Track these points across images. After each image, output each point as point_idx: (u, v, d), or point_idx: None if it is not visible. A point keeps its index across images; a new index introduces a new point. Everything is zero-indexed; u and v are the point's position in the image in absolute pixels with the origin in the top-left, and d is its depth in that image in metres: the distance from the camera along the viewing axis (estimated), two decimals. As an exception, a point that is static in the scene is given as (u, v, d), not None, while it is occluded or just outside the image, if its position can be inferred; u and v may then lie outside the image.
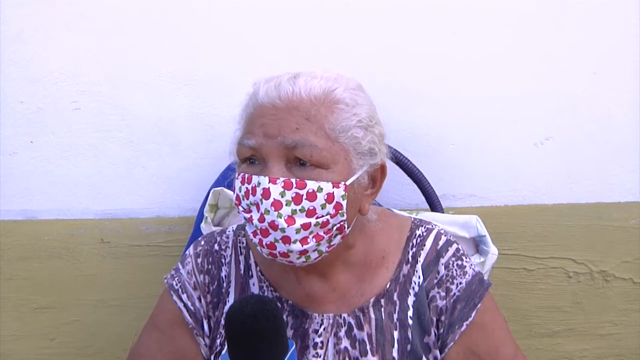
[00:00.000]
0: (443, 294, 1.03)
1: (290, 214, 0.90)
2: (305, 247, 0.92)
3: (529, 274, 1.60)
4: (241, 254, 1.09)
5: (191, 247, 1.11)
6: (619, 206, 1.58)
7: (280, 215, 0.90)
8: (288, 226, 0.90)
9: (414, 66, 1.51)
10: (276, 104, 0.92)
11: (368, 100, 0.98)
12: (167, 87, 1.51)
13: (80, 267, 1.58)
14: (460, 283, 1.03)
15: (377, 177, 1.00)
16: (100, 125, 1.53)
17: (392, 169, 1.43)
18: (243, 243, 1.10)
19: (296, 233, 0.91)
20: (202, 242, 1.11)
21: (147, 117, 1.53)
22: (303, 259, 0.94)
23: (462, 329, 1.01)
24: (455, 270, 1.04)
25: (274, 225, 0.91)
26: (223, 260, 1.08)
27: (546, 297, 1.61)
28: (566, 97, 1.54)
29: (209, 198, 1.40)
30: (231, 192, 1.34)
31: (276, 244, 0.92)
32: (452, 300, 1.02)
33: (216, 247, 1.10)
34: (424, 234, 1.06)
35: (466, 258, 1.06)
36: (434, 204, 1.45)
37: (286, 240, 0.91)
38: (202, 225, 1.39)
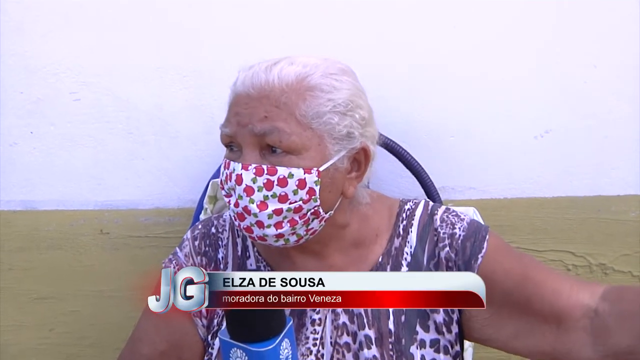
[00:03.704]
0: (446, 242, 1.03)
1: (262, 200, 0.93)
2: (280, 231, 0.94)
3: (528, 267, 1.59)
4: (238, 236, 1.09)
5: (189, 231, 1.12)
6: (618, 199, 1.57)
7: (252, 201, 0.93)
8: (260, 211, 0.93)
9: (414, 59, 1.51)
10: (250, 93, 0.94)
11: (350, 85, 0.97)
12: (167, 79, 1.51)
13: (80, 257, 1.58)
14: (462, 225, 1.04)
15: (360, 160, 0.99)
16: (100, 117, 1.53)
17: (391, 161, 1.45)
18: None
19: (269, 218, 0.93)
20: (200, 226, 1.12)
21: (147, 109, 1.53)
22: (282, 241, 0.96)
23: (479, 262, 1.01)
24: (452, 218, 1.06)
25: (247, 210, 0.93)
26: (220, 243, 1.09)
27: (545, 290, 1.61)
28: (566, 90, 1.53)
29: (208, 189, 1.41)
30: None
31: (252, 227, 0.94)
32: (459, 242, 1.02)
33: (213, 230, 1.11)
34: (413, 206, 1.08)
35: (458, 212, 1.08)
36: (432, 197, 1.45)
37: (260, 224, 0.94)
38: (202, 216, 1.40)
